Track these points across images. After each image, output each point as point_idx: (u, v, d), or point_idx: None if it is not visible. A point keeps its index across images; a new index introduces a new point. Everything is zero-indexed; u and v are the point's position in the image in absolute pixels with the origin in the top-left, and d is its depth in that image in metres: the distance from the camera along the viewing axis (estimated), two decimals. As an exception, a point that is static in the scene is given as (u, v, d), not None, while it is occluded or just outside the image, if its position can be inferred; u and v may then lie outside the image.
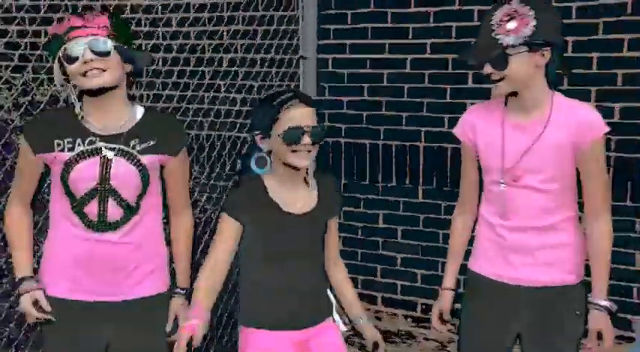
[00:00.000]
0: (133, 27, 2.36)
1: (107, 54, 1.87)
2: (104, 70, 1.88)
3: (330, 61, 3.91)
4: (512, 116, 1.88)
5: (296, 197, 2.01)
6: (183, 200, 2.12)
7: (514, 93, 1.84)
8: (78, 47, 1.85)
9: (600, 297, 1.89)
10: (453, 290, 2.09)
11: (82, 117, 1.93)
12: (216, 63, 3.51)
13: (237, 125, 3.54)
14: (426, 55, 3.63)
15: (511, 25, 1.77)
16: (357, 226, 3.90)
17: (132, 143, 1.96)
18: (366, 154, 3.88)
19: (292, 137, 1.89)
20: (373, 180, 3.85)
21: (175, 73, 3.33)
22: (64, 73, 1.92)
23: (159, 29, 3.51)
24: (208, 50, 3.60)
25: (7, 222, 2.01)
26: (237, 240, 1.98)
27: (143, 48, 3.33)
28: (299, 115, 1.93)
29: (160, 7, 3.78)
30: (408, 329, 3.85)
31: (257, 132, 1.96)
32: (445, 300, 2.05)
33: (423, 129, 3.67)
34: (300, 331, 2.00)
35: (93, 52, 1.86)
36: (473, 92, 3.40)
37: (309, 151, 1.93)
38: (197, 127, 3.50)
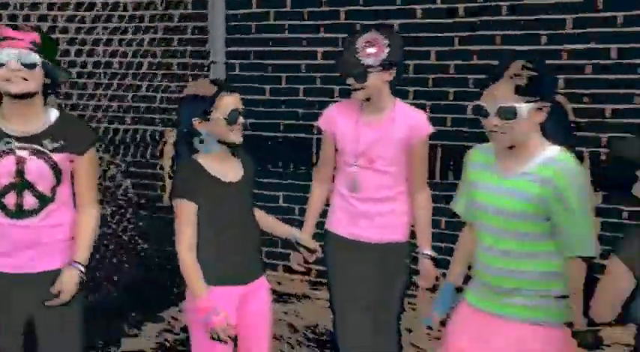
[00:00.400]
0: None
1: (33, 67, 2.11)
2: (26, 80, 2.13)
3: (237, 66, 4.42)
4: (366, 115, 2.54)
5: (228, 169, 2.29)
6: (87, 197, 2.32)
7: (368, 99, 2.51)
8: (7, 56, 2.08)
9: (425, 248, 2.60)
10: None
11: None
12: (135, 66, 4.03)
13: (157, 120, 4.06)
14: (318, 61, 4.21)
15: (371, 50, 2.43)
16: (260, 206, 4.51)
17: (44, 143, 2.22)
18: (267, 145, 4.43)
19: (233, 118, 2.20)
20: (275, 167, 4.46)
21: (103, 75, 3.81)
22: None
23: (90, 36, 3.96)
24: (132, 55, 4.07)
25: None
26: (196, 219, 2.22)
27: (74, 54, 3.81)
28: (234, 100, 2.23)
29: (89, 17, 4.20)
30: (304, 291, 4.48)
31: (197, 119, 2.19)
32: (308, 242, 2.50)
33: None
34: (243, 286, 2.29)
35: (21, 63, 2.09)
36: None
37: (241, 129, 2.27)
38: (118, 122, 4.00)
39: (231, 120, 2.19)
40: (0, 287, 2.29)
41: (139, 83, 4.07)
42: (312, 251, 2.48)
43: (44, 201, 2.24)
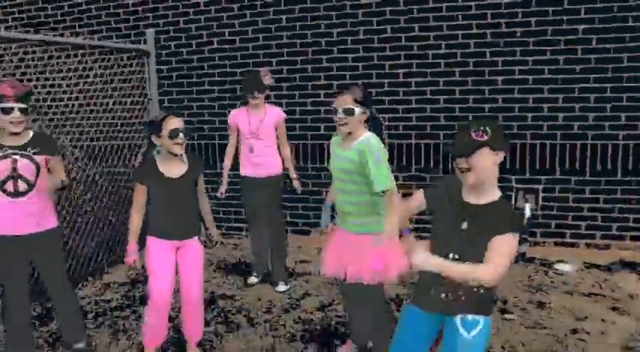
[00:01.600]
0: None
1: (27, 113, 3.18)
2: (22, 122, 3.15)
3: (165, 100, 6.46)
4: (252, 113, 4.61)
5: (173, 168, 3.21)
6: (61, 173, 3.39)
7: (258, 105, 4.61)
8: (9, 106, 3.08)
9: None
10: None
11: None
12: (100, 105, 6.04)
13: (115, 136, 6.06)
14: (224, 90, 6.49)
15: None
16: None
17: (28, 150, 3.23)
18: (189, 148, 6.46)
19: (174, 134, 3.09)
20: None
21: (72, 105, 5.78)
22: None
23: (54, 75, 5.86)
24: (95, 96, 6.08)
25: None
26: (146, 196, 3.22)
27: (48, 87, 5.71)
28: (176, 122, 3.13)
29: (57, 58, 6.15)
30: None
31: (152, 135, 3.14)
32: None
33: (217, 133, 6.50)
34: (177, 241, 3.30)
35: (20, 111, 3.10)
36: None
37: (182, 143, 3.15)
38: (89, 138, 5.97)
39: (172, 135, 3.11)
40: (4, 245, 3.22)
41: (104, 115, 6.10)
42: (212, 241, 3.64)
43: (30, 186, 3.23)
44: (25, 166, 3.19)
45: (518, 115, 5.32)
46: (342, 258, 3.21)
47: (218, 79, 6.30)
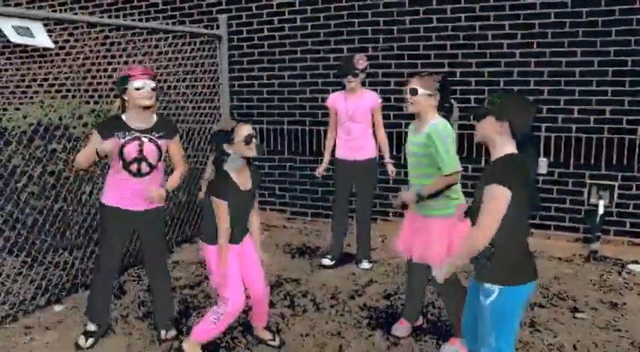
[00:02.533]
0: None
1: (154, 90, 3.36)
2: (152, 98, 3.33)
3: (236, 85, 6.61)
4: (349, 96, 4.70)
5: (244, 181, 3.20)
6: (180, 161, 3.62)
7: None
8: (141, 83, 3.30)
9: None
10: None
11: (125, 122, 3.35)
12: (174, 88, 6.23)
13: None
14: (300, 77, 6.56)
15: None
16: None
17: (153, 133, 3.41)
18: (258, 132, 6.57)
19: (248, 140, 3.09)
20: (267, 146, 6.65)
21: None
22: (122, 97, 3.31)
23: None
24: (169, 80, 6.29)
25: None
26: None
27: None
28: (248, 128, 3.13)
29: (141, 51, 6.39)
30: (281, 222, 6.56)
31: (225, 144, 3.09)
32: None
33: (309, 118, 6.61)
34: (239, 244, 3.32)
35: (151, 88, 3.31)
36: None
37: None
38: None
39: (247, 141, 3.12)
40: (121, 218, 3.49)
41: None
42: None
43: (151, 167, 3.44)
44: (149, 150, 3.41)
45: (597, 109, 5.13)
46: (411, 239, 3.41)
47: (288, 64, 6.35)
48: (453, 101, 3.41)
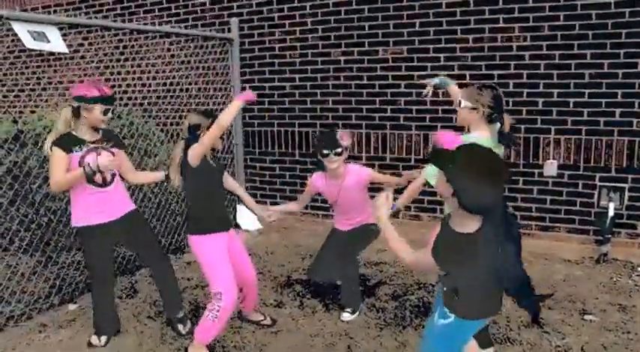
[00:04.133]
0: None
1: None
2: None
3: (247, 88, 6.56)
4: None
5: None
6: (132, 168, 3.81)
7: None
8: (111, 108, 3.43)
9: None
10: None
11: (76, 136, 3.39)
12: (185, 91, 6.31)
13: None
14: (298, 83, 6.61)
15: None
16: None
17: (105, 143, 3.49)
18: (269, 135, 6.68)
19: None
20: (278, 148, 6.76)
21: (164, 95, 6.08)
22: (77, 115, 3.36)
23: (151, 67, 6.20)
24: (181, 83, 6.38)
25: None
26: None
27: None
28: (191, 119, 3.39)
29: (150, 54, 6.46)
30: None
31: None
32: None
33: (319, 121, 6.64)
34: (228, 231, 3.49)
35: (112, 111, 3.46)
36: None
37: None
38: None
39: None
40: (97, 233, 3.49)
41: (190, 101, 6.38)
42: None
43: (113, 175, 3.56)
44: (108, 158, 3.44)
45: (607, 111, 5.13)
46: None
47: (299, 67, 6.40)
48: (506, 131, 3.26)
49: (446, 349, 2.48)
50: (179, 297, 3.93)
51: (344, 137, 3.88)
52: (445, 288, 2.33)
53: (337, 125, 6.19)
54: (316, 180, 4.14)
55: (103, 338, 3.67)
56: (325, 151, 3.86)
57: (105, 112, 3.39)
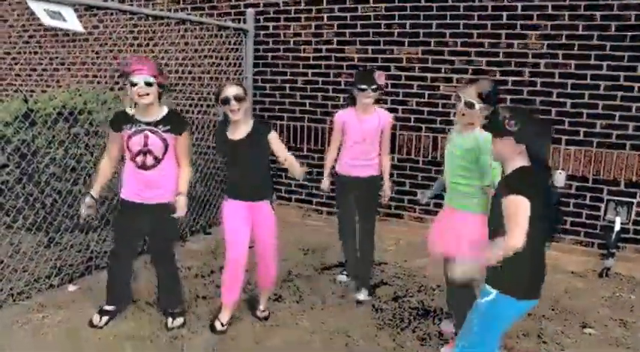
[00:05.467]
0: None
1: (151, 85, 3.34)
2: (148, 94, 3.33)
3: (259, 80, 6.64)
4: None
5: (237, 132, 3.56)
6: (184, 160, 3.55)
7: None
8: (136, 79, 3.29)
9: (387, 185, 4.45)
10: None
11: (134, 115, 3.43)
12: (198, 79, 6.28)
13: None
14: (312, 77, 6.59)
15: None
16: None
17: (159, 127, 3.43)
18: (279, 128, 6.56)
19: (225, 102, 3.44)
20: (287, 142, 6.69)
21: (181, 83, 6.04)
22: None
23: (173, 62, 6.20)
24: (193, 71, 6.35)
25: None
26: None
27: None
28: (229, 90, 3.44)
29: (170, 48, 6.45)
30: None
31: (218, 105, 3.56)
32: None
33: (329, 117, 6.64)
34: (249, 202, 3.61)
35: (145, 83, 3.30)
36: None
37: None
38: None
39: (223, 103, 3.47)
40: (131, 211, 3.57)
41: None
42: None
43: (157, 161, 3.47)
44: (154, 143, 3.44)
45: (620, 124, 5.08)
46: (444, 236, 3.37)
47: (313, 62, 6.37)
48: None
49: (482, 330, 2.53)
50: (177, 297, 3.87)
51: (380, 77, 4.19)
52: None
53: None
54: (341, 115, 4.38)
55: (105, 318, 3.71)
56: (363, 86, 4.14)
57: (134, 84, 3.32)
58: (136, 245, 3.81)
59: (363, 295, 4.30)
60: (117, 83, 5.85)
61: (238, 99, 3.46)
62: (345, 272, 4.69)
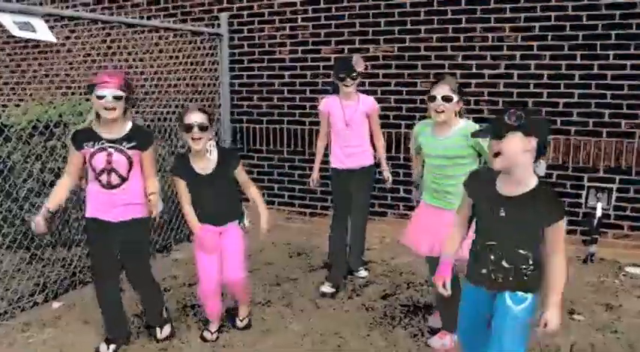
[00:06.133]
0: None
1: (119, 99, 3.13)
2: (115, 109, 3.12)
3: (236, 84, 6.62)
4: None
5: (203, 165, 3.41)
6: (150, 173, 3.32)
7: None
8: (102, 92, 3.09)
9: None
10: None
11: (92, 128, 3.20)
12: (174, 86, 6.24)
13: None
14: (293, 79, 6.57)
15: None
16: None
17: (124, 144, 3.22)
18: (258, 132, 6.60)
19: (187, 129, 3.26)
20: (267, 145, 6.72)
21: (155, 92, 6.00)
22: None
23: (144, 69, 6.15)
24: (169, 78, 6.29)
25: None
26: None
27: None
28: (193, 117, 3.26)
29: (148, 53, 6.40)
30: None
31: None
32: None
33: (308, 118, 6.58)
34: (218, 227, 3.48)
35: (113, 97, 3.09)
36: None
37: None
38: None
39: (185, 130, 3.28)
40: (100, 228, 3.34)
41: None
42: None
43: (122, 179, 3.28)
44: (118, 161, 3.24)
45: (596, 112, 5.15)
46: (426, 234, 3.36)
47: (289, 64, 6.35)
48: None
49: (526, 335, 2.47)
50: (159, 311, 3.69)
51: (359, 63, 4.22)
52: (512, 266, 2.43)
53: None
54: (324, 104, 4.42)
55: (112, 347, 3.50)
56: (342, 75, 4.21)
57: (100, 97, 3.10)
58: (115, 261, 3.47)
59: (363, 272, 4.71)
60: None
61: (202, 128, 3.29)
62: (328, 283, 4.41)
